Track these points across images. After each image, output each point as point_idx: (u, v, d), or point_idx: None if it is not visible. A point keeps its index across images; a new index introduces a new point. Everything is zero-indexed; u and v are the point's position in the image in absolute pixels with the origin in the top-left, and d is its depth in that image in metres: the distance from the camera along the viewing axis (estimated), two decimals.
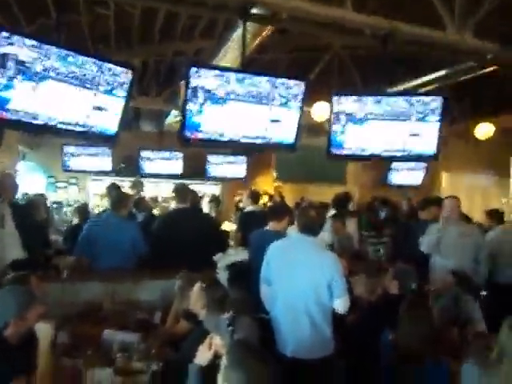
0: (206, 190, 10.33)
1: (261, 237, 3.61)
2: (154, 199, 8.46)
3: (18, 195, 5.27)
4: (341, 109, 4.04)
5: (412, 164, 9.86)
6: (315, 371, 2.67)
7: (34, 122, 3.06)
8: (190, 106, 3.38)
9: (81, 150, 8.89)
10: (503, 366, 1.99)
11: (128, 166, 10.32)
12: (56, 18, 3.58)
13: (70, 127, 3.30)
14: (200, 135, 3.50)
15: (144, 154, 9.43)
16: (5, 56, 2.76)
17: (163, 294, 3.65)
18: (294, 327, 2.73)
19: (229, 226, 6.62)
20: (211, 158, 9.78)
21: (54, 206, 9.36)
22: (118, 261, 3.83)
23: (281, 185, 10.49)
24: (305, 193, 9.94)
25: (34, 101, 2.99)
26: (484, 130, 6.82)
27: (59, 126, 3.23)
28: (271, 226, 3.68)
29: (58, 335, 2.64)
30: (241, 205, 8.07)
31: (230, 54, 5.11)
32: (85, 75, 3.22)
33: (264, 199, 8.53)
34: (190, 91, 3.34)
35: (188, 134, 3.46)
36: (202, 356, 2.06)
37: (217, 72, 3.45)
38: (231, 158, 9.95)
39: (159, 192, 10.14)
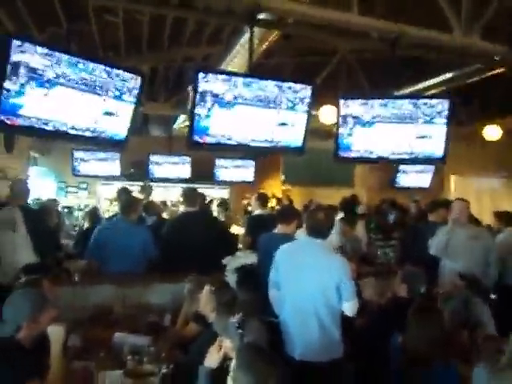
0: (214, 193, 10.37)
1: (269, 240, 3.62)
2: (163, 203, 8.51)
3: (30, 200, 5.33)
4: (348, 112, 4.05)
5: (420, 166, 9.83)
6: (324, 374, 2.67)
7: (46, 127, 3.11)
8: (198, 111, 3.42)
9: (90, 155, 8.98)
10: None
11: (137, 170, 10.41)
12: (66, 26, 3.64)
13: (80, 133, 3.36)
14: (208, 139, 3.53)
15: (153, 158, 9.50)
16: (17, 64, 2.81)
17: (173, 297, 3.67)
18: (303, 330, 2.73)
19: (237, 230, 6.64)
20: (219, 162, 9.83)
21: (65, 210, 9.46)
22: (128, 265, 3.86)
23: (289, 188, 10.50)
24: (313, 196, 9.93)
25: (45, 107, 3.05)
26: (492, 132, 6.77)
27: (70, 131, 3.28)
28: (280, 229, 3.69)
29: (69, 338, 2.67)
30: (249, 208, 8.09)
31: (237, 59, 5.15)
32: (95, 81, 3.27)
33: (272, 202, 8.54)
34: (198, 96, 3.38)
35: (196, 138, 3.49)
36: (212, 358, 2.08)
37: (224, 76, 3.49)
38: (239, 162, 9.97)
39: (168, 196, 10.19)
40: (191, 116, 3.46)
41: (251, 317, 2.13)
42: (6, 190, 4.52)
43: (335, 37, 4.85)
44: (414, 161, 4.42)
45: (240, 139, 3.67)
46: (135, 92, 3.59)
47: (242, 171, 9.95)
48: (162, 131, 11.14)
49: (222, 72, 3.86)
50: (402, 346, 2.57)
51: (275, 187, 10.61)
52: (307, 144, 4.04)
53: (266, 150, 3.89)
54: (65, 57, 3.05)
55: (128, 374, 2.28)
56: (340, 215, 4.94)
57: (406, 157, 4.24)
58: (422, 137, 4.12)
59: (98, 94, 3.33)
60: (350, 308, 2.77)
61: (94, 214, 5.87)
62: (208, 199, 7.97)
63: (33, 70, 2.89)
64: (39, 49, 2.90)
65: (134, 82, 3.55)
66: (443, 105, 4.08)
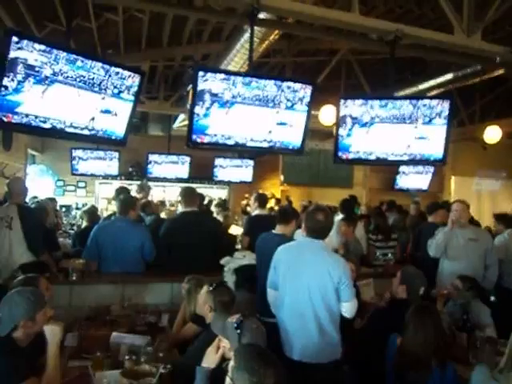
0: (213, 193, 10.36)
1: (267, 240, 3.61)
2: (162, 203, 8.49)
3: (27, 198, 5.32)
4: (347, 112, 4.03)
5: (420, 168, 9.85)
6: (322, 375, 2.65)
7: (43, 125, 3.09)
8: (197, 110, 3.40)
9: (89, 154, 8.98)
10: None
11: (136, 169, 10.39)
12: (66, 24, 3.62)
13: (78, 131, 3.33)
14: (206, 138, 3.51)
15: (152, 157, 9.50)
16: (14, 60, 2.79)
17: (171, 297, 3.66)
18: (301, 331, 2.72)
19: (236, 230, 6.62)
20: (218, 162, 9.83)
21: (63, 209, 9.44)
22: (125, 264, 3.85)
23: (288, 188, 10.49)
24: (312, 196, 9.93)
25: (42, 104, 3.03)
26: (492, 134, 6.76)
27: (67, 129, 3.26)
28: (278, 229, 3.68)
29: (66, 338, 2.65)
30: (248, 209, 8.07)
31: (237, 58, 5.14)
32: (93, 79, 3.25)
33: (271, 203, 8.53)
34: (196, 95, 3.36)
35: (195, 137, 3.48)
36: (210, 359, 2.07)
37: (223, 76, 3.46)
38: (238, 162, 9.98)
39: (166, 195, 10.18)
40: (190, 115, 3.45)
41: (249, 317, 2.11)
42: (3, 188, 4.51)
43: (336, 37, 4.84)
44: (414, 162, 4.38)
45: (238, 139, 3.66)
46: (133, 90, 3.56)
47: (241, 171, 9.96)
48: (160, 130, 11.13)
49: (221, 71, 3.85)
50: (401, 348, 2.56)
51: (274, 187, 10.61)
52: (307, 144, 4.03)
53: (264, 149, 3.86)
54: (63, 54, 3.02)
55: (125, 374, 2.26)
56: (340, 216, 4.92)
57: (406, 158, 4.21)
58: (422, 138, 4.10)
59: (97, 92, 3.31)
60: (348, 309, 2.75)
61: (92, 213, 5.84)
62: (207, 199, 7.96)
63: (30, 67, 2.87)
64: (37, 45, 2.88)
65: (132, 79, 3.52)
66: (443, 106, 4.05)
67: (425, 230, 4.85)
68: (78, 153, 8.89)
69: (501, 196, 9.83)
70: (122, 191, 5.29)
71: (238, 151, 9.02)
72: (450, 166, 9.40)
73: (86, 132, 3.39)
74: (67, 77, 3.09)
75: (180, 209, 4.75)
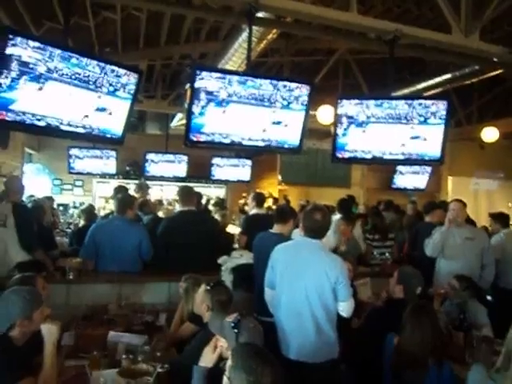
0: (211, 192, 10.35)
1: (264, 239, 3.61)
2: (159, 202, 8.48)
3: (24, 197, 5.29)
4: (343, 112, 4.03)
5: (416, 168, 9.87)
6: (319, 375, 2.66)
7: (38, 123, 3.07)
8: (193, 108, 3.40)
9: (86, 153, 8.96)
10: (510, 371, 1.98)
11: (133, 168, 10.38)
12: (64, 22, 3.61)
13: (73, 129, 3.31)
14: (203, 137, 3.50)
15: (149, 156, 9.49)
16: (9, 57, 2.77)
17: (168, 296, 3.65)
18: (298, 330, 2.72)
19: (234, 229, 6.61)
20: (216, 161, 9.82)
21: (60, 207, 9.41)
22: (123, 263, 3.84)
23: (285, 188, 10.50)
24: (309, 196, 9.93)
25: (37, 102, 3.00)
26: (490, 134, 6.79)
27: (63, 127, 3.23)
28: (276, 228, 3.68)
29: (63, 337, 2.64)
30: (246, 208, 8.07)
31: (235, 57, 5.14)
32: (88, 77, 3.23)
33: (269, 202, 8.52)
34: (193, 93, 3.35)
35: (191, 136, 3.47)
36: (207, 358, 2.06)
37: (218, 74, 3.46)
38: (235, 161, 9.98)
39: (164, 194, 10.16)
40: (188, 114, 3.44)
41: (247, 316, 2.11)
42: (0, 186, 4.49)
43: (334, 36, 4.84)
44: (411, 161, 4.38)
45: (235, 137, 3.65)
46: (130, 88, 3.54)
47: (239, 170, 9.96)
48: (158, 129, 11.12)
49: (217, 69, 3.84)
50: (398, 347, 2.56)
51: (272, 187, 10.61)
52: (304, 144, 4.03)
53: (261, 148, 3.86)
54: (57, 51, 3.00)
55: (122, 373, 2.26)
56: (337, 215, 4.92)
57: (402, 157, 4.21)
58: (418, 137, 4.10)
59: (92, 90, 3.28)
60: (345, 308, 2.76)
61: (89, 212, 5.83)
62: (205, 199, 7.95)
63: (25, 64, 2.85)
64: (31, 42, 2.86)
65: (128, 77, 3.50)
66: (438, 106, 4.05)
67: (422, 229, 4.85)
68: (74, 151, 8.87)
69: (497, 196, 9.86)
70: (121, 190, 5.28)
71: (235, 150, 9.01)
72: (447, 165, 9.41)
73: (81, 130, 3.36)
74: (62, 74, 3.06)
75: (177, 208, 4.74)
